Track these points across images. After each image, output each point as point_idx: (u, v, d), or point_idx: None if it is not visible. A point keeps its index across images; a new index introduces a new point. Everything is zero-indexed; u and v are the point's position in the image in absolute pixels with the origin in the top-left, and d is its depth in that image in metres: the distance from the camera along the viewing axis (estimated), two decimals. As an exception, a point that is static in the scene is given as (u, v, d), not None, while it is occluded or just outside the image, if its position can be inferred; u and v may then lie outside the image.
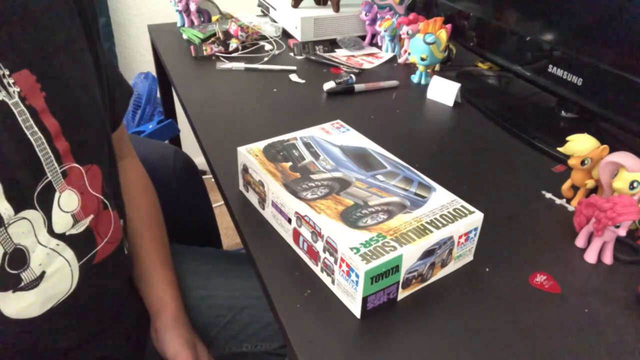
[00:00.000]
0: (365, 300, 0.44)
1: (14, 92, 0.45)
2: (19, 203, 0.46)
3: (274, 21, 1.26)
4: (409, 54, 0.99)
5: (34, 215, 0.47)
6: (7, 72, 0.45)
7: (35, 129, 0.46)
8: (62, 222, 0.50)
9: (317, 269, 0.50)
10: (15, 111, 0.45)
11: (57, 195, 0.49)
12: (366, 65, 1.05)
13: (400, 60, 1.09)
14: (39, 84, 0.47)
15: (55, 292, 0.50)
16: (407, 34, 1.01)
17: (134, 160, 0.74)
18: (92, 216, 0.53)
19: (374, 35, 1.17)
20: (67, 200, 0.50)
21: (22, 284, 0.47)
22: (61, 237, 0.50)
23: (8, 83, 0.44)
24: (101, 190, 0.55)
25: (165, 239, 0.71)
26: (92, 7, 0.58)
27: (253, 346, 0.75)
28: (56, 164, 0.48)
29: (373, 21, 1.13)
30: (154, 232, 0.70)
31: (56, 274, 0.50)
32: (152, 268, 0.67)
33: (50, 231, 0.49)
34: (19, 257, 0.47)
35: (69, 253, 0.51)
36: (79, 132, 0.51)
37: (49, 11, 0.50)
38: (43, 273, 0.49)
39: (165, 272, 0.67)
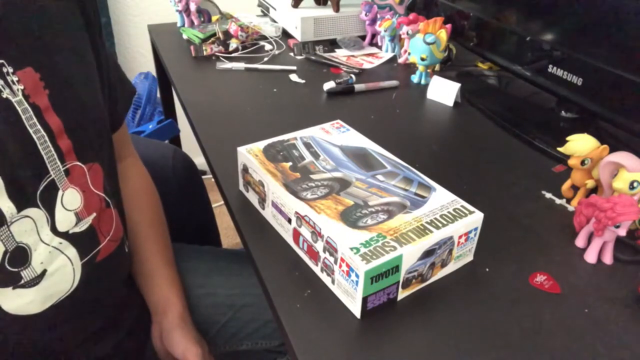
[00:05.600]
0: (365, 300, 0.44)
1: (17, 89, 0.45)
2: (21, 201, 0.46)
3: (274, 21, 1.26)
4: (409, 54, 0.99)
5: (37, 213, 0.47)
6: (11, 70, 0.45)
7: (39, 127, 0.46)
8: (65, 220, 0.50)
9: (317, 269, 0.50)
10: (19, 109, 0.45)
11: (60, 193, 0.49)
12: (366, 65, 1.05)
13: (400, 60, 1.09)
14: (42, 82, 0.47)
15: (56, 290, 0.50)
16: (407, 34, 1.01)
17: (136, 160, 0.74)
18: (94, 214, 0.53)
19: (374, 35, 1.16)
20: (70, 199, 0.50)
21: (22, 281, 0.48)
22: (64, 235, 0.50)
23: (12, 81, 0.45)
24: (103, 189, 0.55)
25: (168, 238, 0.71)
26: (94, 6, 0.58)
27: (253, 344, 0.75)
28: (59, 162, 0.49)
29: (373, 21, 1.13)
30: (157, 232, 0.70)
31: (58, 272, 0.50)
32: (156, 268, 0.67)
33: (54, 229, 0.49)
34: (20, 255, 0.47)
35: (72, 251, 0.51)
36: (82, 130, 0.51)
37: (53, 10, 0.50)
38: (44, 271, 0.49)
39: (169, 271, 0.67)
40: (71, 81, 0.51)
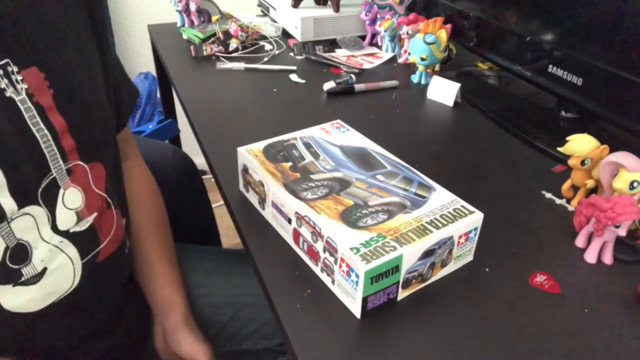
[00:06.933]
0: (365, 300, 0.44)
1: (21, 89, 0.45)
2: (22, 198, 0.46)
3: (274, 21, 1.26)
4: (409, 54, 0.99)
5: (38, 211, 0.47)
6: (16, 69, 0.45)
7: (42, 125, 0.47)
8: (66, 219, 0.50)
9: (317, 269, 0.50)
10: (22, 108, 0.45)
11: (61, 192, 0.49)
12: (366, 65, 1.05)
13: (400, 60, 1.09)
14: (47, 82, 0.47)
15: (56, 289, 0.51)
16: (407, 34, 1.00)
17: (139, 160, 0.74)
18: (95, 214, 0.53)
19: (374, 35, 1.16)
20: (71, 198, 0.50)
21: (23, 279, 0.48)
22: (65, 234, 0.50)
23: (16, 80, 0.45)
24: (105, 189, 0.55)
25: (171, 239, 0.71)
26: (100, 8, 0.58)
27: (253, 343, 0.75)
28: (61, 161, 0.49)
29: (373, 21, 1.13)
30: (160, 232, 0.70)
31: (58, 270, 0.50)
32: (159, 268, 0.67)
33: (54, 228, 0.49)
34: (21, 252, 0.47)
35: (72, 250, 0.51)
36: (85, 130, 0.52)
37: (60, 11, 0.51)
38: (45, 269, 0.49)
39: (172, 272, 0.68)
40: (76, 82, 0.51)
